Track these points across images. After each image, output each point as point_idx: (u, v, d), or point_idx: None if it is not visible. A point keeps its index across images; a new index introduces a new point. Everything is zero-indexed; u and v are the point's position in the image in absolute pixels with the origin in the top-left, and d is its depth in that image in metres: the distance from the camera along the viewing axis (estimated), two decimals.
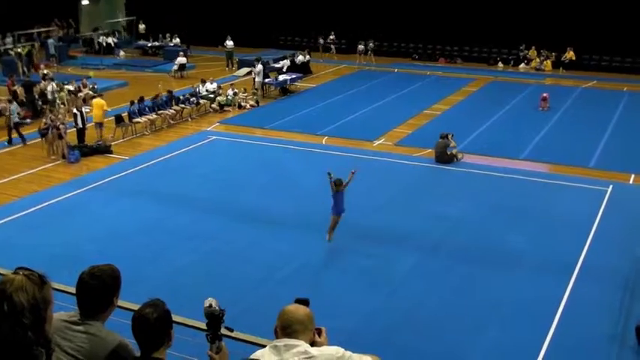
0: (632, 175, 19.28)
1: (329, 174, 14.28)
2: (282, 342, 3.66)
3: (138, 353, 3.78)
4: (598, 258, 14.17)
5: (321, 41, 39.87)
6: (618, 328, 11.69)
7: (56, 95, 25.93)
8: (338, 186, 14.35)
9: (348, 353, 3.70)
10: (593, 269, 13.70)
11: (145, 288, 8.94)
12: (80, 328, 3.83)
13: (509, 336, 11.38)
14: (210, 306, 3.96)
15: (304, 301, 4.02)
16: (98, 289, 3.85)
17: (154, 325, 3.67)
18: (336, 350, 3.67)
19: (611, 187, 18.16)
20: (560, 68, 35.72)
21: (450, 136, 20.50)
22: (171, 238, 15.13)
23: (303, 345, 3.64)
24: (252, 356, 3.74)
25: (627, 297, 12.70)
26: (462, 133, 22.53)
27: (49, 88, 25.93)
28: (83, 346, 3.77)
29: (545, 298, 12.61)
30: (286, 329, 3.71)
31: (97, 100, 24.07)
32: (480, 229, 15.70)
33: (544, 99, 26.97)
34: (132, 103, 24.26)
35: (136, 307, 5.11)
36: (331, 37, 39.46)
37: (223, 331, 4.12)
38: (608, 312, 12.18)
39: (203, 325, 4.17)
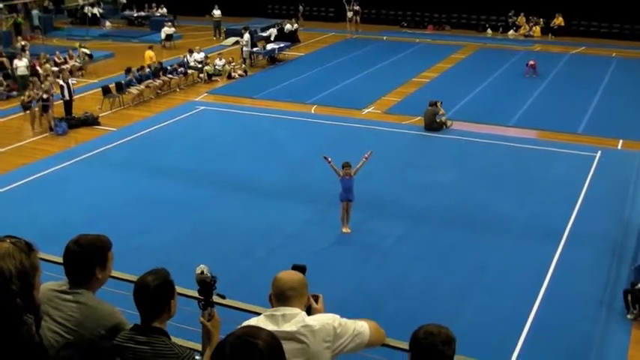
0: (620, 141, 19.35)
1: (325, 157, 13.65)
2: (280, 311, 3.66)
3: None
4: (586, 223, 14.28)
5: (301, 8, 39.83)
6: (606, 292, 11.83)
7: (27, 72, 25.10)
8: (346, 168, 13.56)
9: (344, 320, 3.74)
10: (582, 234, 13.81)
11: (135, 259, 8.94)
12: (69, 297, 3.82)
13: (498, 301, 11.50)
14: (202, 272, 3.97)
15: (301, 268, 4.03)
16: (81, 257, 3.83)
17: (153, 293, 3.67)
18: (332, 319, 3.70)
19: (599, 152, 18.24)
20: (549, 34, 35.61)
21: (439, 104, 20.47)
22: (160, 208, 15.12)
23: (300, 314, 3.66)
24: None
25: (615, 261, 12.82)
26: (451, 100, 22.49)
27: (21, 63, 25.01)
28: (73, 315, 3.76)
29: (533, 263, 12.73)
30: (280, 296, 3.72)
31: (147, 52, 27.39)
32: (469, 195, 15.76)
33: (531, 66, 26.93)
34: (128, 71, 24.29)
35: (128, 277, 5.12)
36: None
37: (216, 298, 4.13)
38: (596, 276, 12.31)
39: (194, 294, 4.18)
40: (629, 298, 11.10)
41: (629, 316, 11.08)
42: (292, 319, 3.62)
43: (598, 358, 10.14)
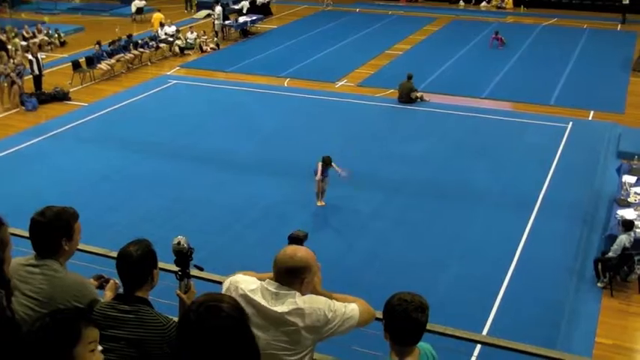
0: (592, 112, 19.55)
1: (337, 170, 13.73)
2: (274, 288, 3.60)
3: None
4: (558, 193, 14.45)
5: None
6: (577, 260, 12.01)
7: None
8: (327, 164, 13.57)
9: (335, 305, 3.68)
10: (554, 204, 13.98)
11: (109, 234, 8.93)
12: (37, 269, 3.81)
13: (472, 270, 11.63)
14: (179, 243, 3.98)
15: (298, 239, 3.98)
16: (47, 228, 3.83)
17: (136, 263, 3.68)
18: (325, 304, 3.64)
19: (571, 123, 18.42)
20: (522, 6, 35.70)
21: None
22: (134, 184, 15.01)
23: (294, 295, 3.58)
24: (247, 287, 3.66)
25: (586, 230, 13.01)
26: (424, 72, 22.53)
27: None
28: (42, 287, 3.75)
29: (507, 232, 12.88)
30: (278, 274, 3.64)
31: (156, 15, 28.63)
32: (443, 167, 15.85)
33: (496, 38, 27.09)
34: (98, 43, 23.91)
35: (102, 251, 5.09)
36: None
37: (194, 271, 4.13)
38: (567, 246, 12.49)
39: (170, 267, 4.17)
40: (600, 266, 11.30)
41: (599, 285, 11.29)
42: (285, 300, 3.56)
43: (569, 325, 10.31)
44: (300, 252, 3.67)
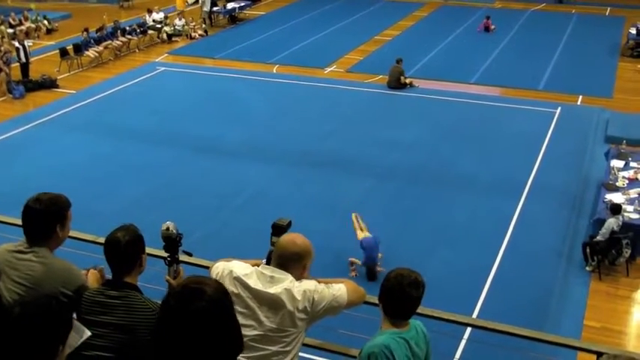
0: (580, 97, 19.59)
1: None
2: (270, 272, 3.73)
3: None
4: (547, 178, 14.50)
5: None
6: (566, 245, 12.07)
7: None
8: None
9: (321, 287, 3.81)
10: (543, 189, 14.04)
11: (99, 221, 8.85)
12: (26, 256, 3.80)
13: (462, 255, 11.68)
14: (168, 229, 3.98)
15: (281, 227, 4.04)
16: (42, 215, 3.82)
17: (124, 248, 3.69)
18: (313, 286, 3.78)
19: (559, 108, 18.46)
20: None
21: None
22: (123, 171, 14.96)
23: (287, 279, 3.71)
24: (241, 272, 3.76)
25: (574, 215, 13.07)
26: (413, 58, 22.49)
27: None
28: (30, 274, 3.74)
29: (496, 217, 12.93)
30: (279, 260, 3.78)
31: None
32: (432, 153, 15.87)
33: (485, 25, 27.09)
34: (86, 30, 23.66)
35: (91, 237, 5.09)
36: None
37: (183, 257, 4.13)
38: (556, 230, 12.56)
39: (160, 253, 4.17)
40: (588, 250, 11.36)
41: (587, 268, 11.36)
42: (279, 283, 3.68)
43: (558, 308, 10.39)
44: (300, 238, 3.82)
